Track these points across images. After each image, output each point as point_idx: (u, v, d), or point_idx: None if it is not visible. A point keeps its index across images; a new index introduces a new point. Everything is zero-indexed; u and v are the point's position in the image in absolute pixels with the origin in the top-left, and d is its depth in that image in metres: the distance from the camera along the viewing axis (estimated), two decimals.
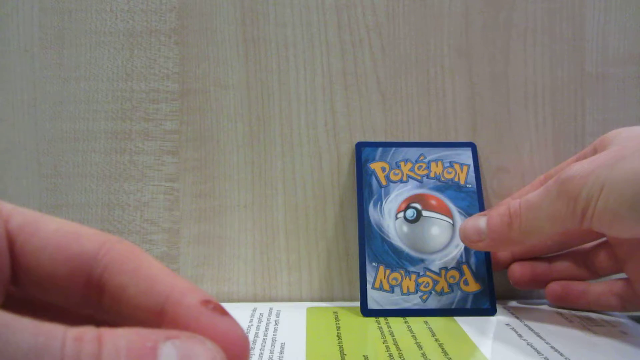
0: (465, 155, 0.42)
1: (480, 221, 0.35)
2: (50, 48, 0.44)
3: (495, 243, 0.35)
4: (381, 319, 0.38)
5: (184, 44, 0.44)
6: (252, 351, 0.32)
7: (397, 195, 0.41)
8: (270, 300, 0.43)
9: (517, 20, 0.44)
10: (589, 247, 0.39)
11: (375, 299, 0.38)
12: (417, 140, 0.43)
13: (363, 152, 0.42)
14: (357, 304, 0.39)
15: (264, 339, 0.34)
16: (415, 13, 0.44)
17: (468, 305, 0.38)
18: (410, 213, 0.40)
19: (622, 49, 0.44)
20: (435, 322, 0.37)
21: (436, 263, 0.39)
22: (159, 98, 0.44)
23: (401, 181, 0.41)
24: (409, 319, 0.38)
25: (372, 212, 0.40)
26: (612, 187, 0.28)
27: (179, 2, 0.44)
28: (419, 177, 0.41)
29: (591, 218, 0.29)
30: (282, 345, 0.33)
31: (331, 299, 0.44)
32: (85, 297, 0.16)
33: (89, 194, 0.44)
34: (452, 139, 0.44)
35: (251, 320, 0.38)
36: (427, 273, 0.39)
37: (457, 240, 0.39)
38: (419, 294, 0.38)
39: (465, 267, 0.39)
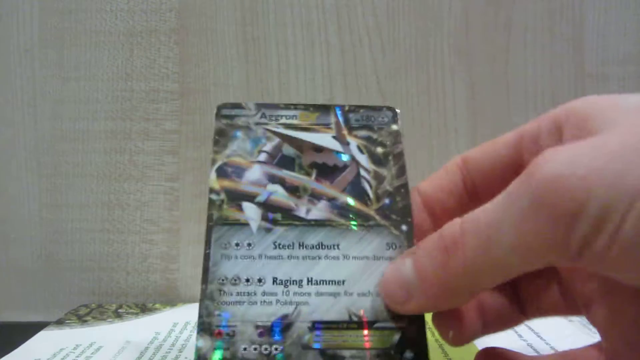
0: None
1: (404, 267, 0.21)
2: (50, 48, 0.43)
3: (432, 300, 0.20)
4: None
5: (184, 44, 0.44)
6: None
7: None
8: None
9: (517, 20, 0.44)
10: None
11: None
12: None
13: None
14: None
15: None
16: (415, 13, 0.44)
17: None
18: None
19: (622, 49, 0.44)
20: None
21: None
22: (159, 98, 0.44)
23: None
24: None
25: None
26: None
27: (179, 2, 0.44)
28: None
29: (604, 253, 0.16)
30: None
31: None
32: None
33: (89, 194, 0.44)
34: (452, 138, 0.44)
35: None
36: None
37: None
38: None
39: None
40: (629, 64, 0.45)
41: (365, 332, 0.21)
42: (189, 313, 0.40)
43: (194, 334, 0.35)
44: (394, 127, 0.26)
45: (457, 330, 0.23)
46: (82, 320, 0.39)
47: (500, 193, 0.18)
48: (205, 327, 0.21)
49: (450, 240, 0.19)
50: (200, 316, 0.21)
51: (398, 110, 0.27)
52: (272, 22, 0.44)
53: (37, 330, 0.36)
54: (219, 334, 0.21)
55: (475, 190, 0.23)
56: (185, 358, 0.31)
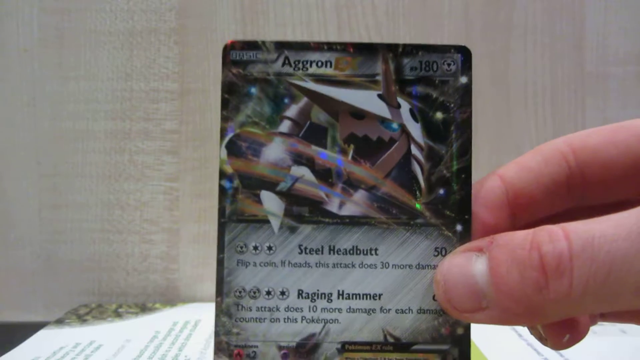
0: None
1: (475, 269, 0.17)
2: (50, 48, 0.43)
3: (511, 317, 0.17)
4: None
5: (184, 44, 0.44)
6: None
7: None
8: None
9: (517, 20, 0.44)
10: None
11: None
12: None
13: None
14: None
15: None
16: (415, 13, 0.44)
17: None
18: None
19: (622, 49, 0.44)
20: None
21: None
22: (159, 98, 0.44)
23: None
24: None
25: None
26: None
27: (178, 2, 0.44)
28: None
29: None
30: None
31: None
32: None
33: (88, 194, 0.44)
34: None
35: None
36: None
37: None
38: None
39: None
40: (629, 64, 0.45)
41: (402, 355, 0.19)
42: (189, 313, 0.40)
43: (194, 333, 0.35)
44: (463, 79, 0.19)
45: (573, 333, 0.20)
46: (81, 319, 0.39)
47: (633, 210, 0.14)
48: (223, 347, 0.18)
49: (553, 261, 0.15)
50: (217, 334, 0.18)
51: (471, 52, 0.19)
52: (272, 22, 0.44)
53: (37, 330, 0.36)
54: (239, 355, 0.19)
55: (585, 189, 0.18)
56: (185, 357, 0.31)
